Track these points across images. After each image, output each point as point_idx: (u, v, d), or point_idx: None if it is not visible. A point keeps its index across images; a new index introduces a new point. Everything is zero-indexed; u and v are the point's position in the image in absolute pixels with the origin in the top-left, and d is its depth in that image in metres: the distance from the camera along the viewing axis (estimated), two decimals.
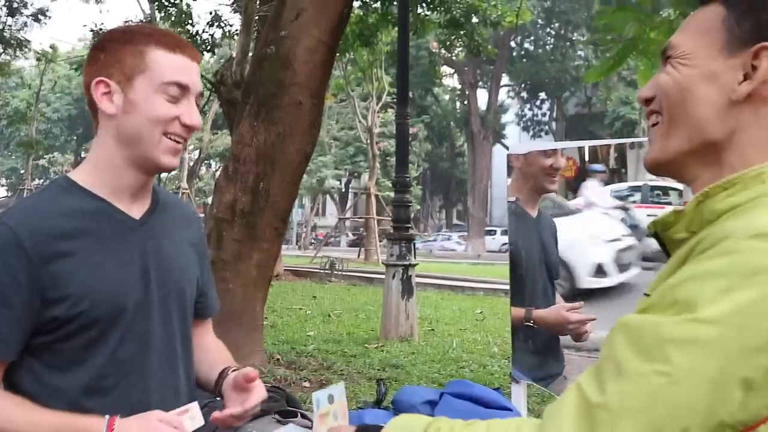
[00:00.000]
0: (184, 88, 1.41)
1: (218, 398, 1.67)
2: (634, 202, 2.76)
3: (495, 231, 41.22)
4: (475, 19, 14.88)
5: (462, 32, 14.65)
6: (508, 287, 11.03)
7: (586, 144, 2.72)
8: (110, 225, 1.43)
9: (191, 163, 30.45)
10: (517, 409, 2.21)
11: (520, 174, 2.93)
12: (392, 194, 27.35)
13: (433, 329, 8.70)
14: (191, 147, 29.95)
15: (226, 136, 37.86)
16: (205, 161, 37.35)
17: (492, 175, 39.68)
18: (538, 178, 2.85)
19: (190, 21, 14.28)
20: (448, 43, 18.13)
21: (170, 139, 1.41)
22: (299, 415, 2.70)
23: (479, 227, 38.57)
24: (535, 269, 3.01)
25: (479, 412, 2.08)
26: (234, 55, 11.54)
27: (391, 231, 8.43)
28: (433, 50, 32.00)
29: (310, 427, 2.59)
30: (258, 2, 9.91)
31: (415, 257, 8.22)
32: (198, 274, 1.63)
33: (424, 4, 13.41)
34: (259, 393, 1.48)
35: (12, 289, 1.31)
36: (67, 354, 1.37)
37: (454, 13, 13.93)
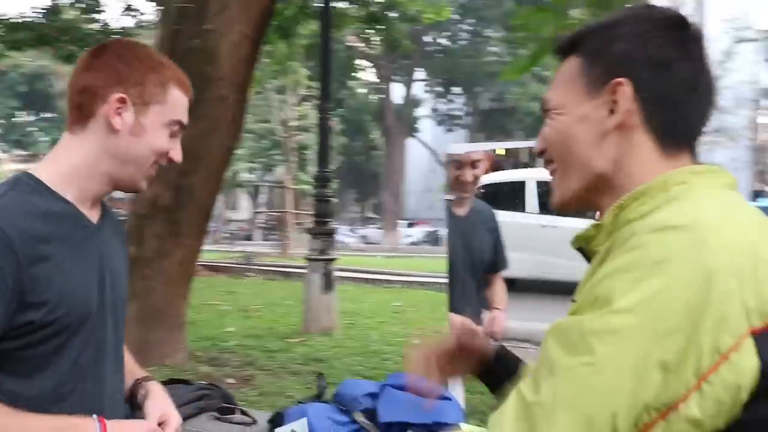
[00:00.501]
0: (182, 127, 1.50)
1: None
2: None
3: (410, 224, 41.75)
4: (393, 14, 15.01)
5: (380, 27, 14.75)
6: (424, 279, 11.17)
7: (520, 144, 2.84)
8: (76, 230, 1.42)
9: None
10: (455, 399, 2.31)
11: (449, 174, 3.04)
12: (308, 188, 27.15)
13: (353, 322, 8.78)
14: None
15: None
16: None
17: (406, 168, 40.16)
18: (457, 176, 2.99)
19: (98, 9, 13.81)
20: (366, 37, 18.21)
21: (153, 167, 1.48)
22: (239, 411, 2.73)
23: (393, 220, 38.93)
24: (458, 268, 3.13)
25: (419, 402, 2.14)
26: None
27: (312, 225, 8.46)
28: (349, 44, 32.04)
29: (251, 423, 2.62)
30: None
31: (336, 251, 8.29)
32: (127, 281, 1.63)
33: None
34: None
35: (2, 289, 1.27)
36: (32, 361, 1.35)
37: (372, 8, 14.02)
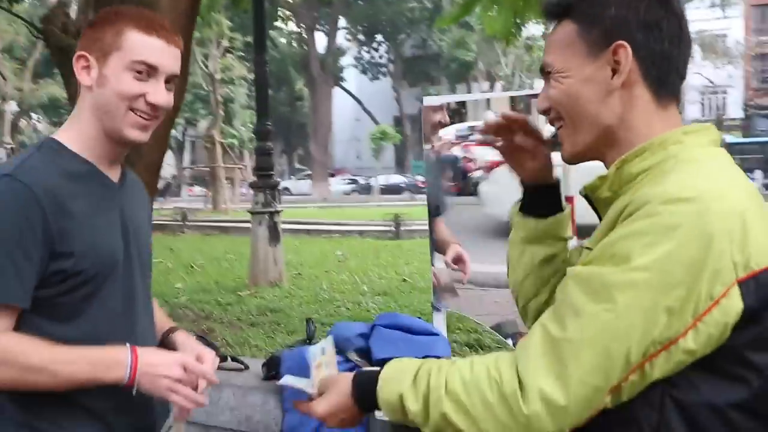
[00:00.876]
0: (152, 68, 1.51)
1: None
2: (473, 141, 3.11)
3: (331, 174, 41.69)
4: None
5: None
6: (361, 228, 11.29)
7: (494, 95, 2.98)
8: (99, 187, 1.55)
9: (12, 116, 28.13)
10: (442, 334, 2.49)
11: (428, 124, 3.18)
12: (234, 141, 26.65)
13: (299, 273, 8.90)
14: (12, 100, 27.64)
15: (49, 85, 35.27)
16: (27, 113, 34.60)
17: (333, 118, 39.95)
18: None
19: None
20: None
21: (136, 114, 1.51)
22: (229, 358, 2.86)
23: (323, 171, 38.89)
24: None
25: (410, 339, 2.31)
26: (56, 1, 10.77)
27: (255, 179, 8.46)
28: None
29: (243, 369, 2.76)
30: None
31: (279, 203, 8.34)
32: (151, 237, 1.77)
33: None
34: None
35: (32, 243, 1.41)
36: (66, 307, 1.48)
37: None
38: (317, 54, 38.65)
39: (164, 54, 1.53)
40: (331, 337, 1.51)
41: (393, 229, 13.71)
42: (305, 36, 39.13)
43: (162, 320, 1.78)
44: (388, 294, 7.14)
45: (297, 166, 53.02)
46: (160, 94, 1.52)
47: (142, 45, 1.50)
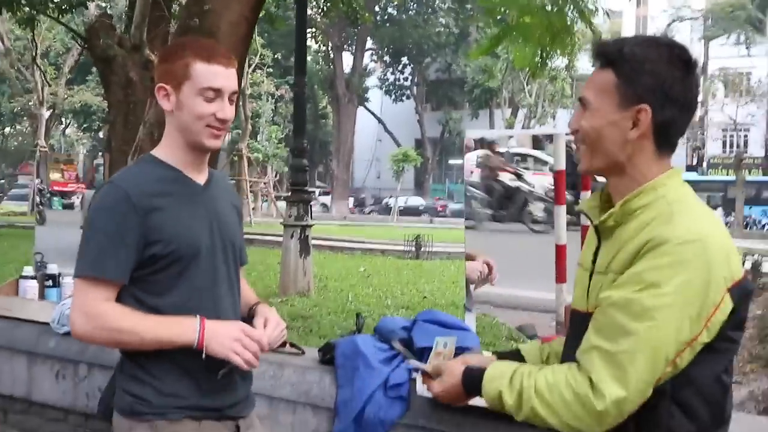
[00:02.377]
0: (217, 91, 1.89)
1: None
2: None
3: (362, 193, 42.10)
4: None
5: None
6: (383, 247, 11.65)
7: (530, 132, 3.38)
8: (185, 188, 1.96)
9: (47, 120, 28.93)
10: (471, 329, 2.92)
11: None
12: (260, 155, 27.08)
13: (325, 285, 9.33)
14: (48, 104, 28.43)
15: (83, 92, 36.13)
16: (59, 118, 35.45)
17: (355, 137, 40.51)
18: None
19: None
20: (322, 8, 18.46)
21: (211, 128, 1.93)
22: (288, 344, 3.27)
23: (343, 189, 39.41)
24: None
25: (446, 332, 2.71)
26: (94, 11, 11.31)
27: (289, 193, 8.94)
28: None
29: (300, 353, 3.17)
30: None
31: (311, 218, 8.80)
32: (239, 231, 2.17)
33: None
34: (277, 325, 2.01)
35: (127, 231, 1.83)
36: (160, 283, 1.89)
37: None
38: (343, 74, 39.30)
39: (225, 77, 1.91)
40: (455, 338, 1.99)
41: (413, 249, 14.14)
42: (332, 55, 39.80)
43: (249, 297, 2.15)
44: (410, 308, 7.54)
45: (317, 183, 53.62)
46: (226, 111, 1.92)
47: (207, 73, 1.88)
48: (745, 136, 39.83)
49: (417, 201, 40.29)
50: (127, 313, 1.85)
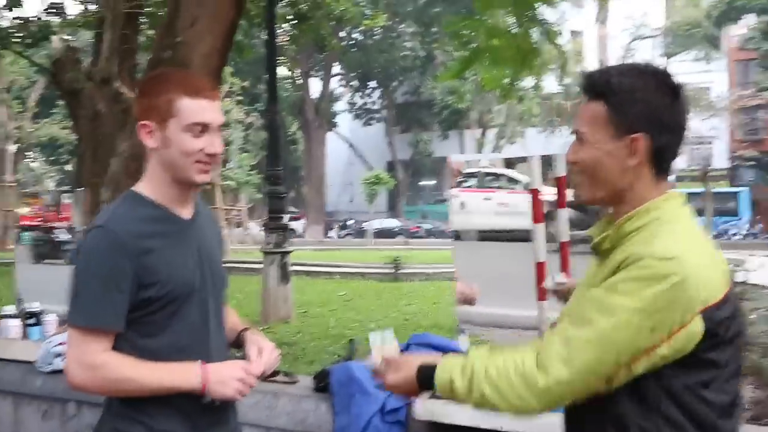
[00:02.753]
0: (205, 126, 1.85)
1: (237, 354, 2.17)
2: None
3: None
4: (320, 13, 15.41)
5: (308, 26, 15.16)
6: (362, 270, 11.61)
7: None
8: (173, 226, 1.92)
9: (12, 155, 28.54)
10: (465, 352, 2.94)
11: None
12: (232, 184, 26.86)
13: (306, 311, 9.28)
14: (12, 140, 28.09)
15: (49, 126, 35.73)
16: (24, 152, 34.99)
17: (327, 162, 40.54)
18: None
19: (17, 4, 13.58)
20: (291, 35, 18.54)
21: (200, 164, 1.89)
22: (282, 373, 3.27)
23: (317, 213, 39.34)
24: None
25: (437, 354, 2.73)
26: (58, 44, 11.20)
27: (267, 221, 8.92)
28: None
29: (294, 382, 3.17)
30: None
31: (290, 245, 8.78)
32: (221, 260, 2.12)
33: None
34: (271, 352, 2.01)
35: (121, 276, 1.79)
36: (154, 324, 1.86)
37: (301, 7, 14.42)
38: (312, 99, 39.41)
39: (212, 111, 1.86)
40: (392, 329, 2.00)
41: (392, 271, 14.13)
42: (300, 81, 39.91)
43: (235, 322, 2.13)
44: (394, 331, 7.52)
45: (290, 208, 53.47)
46: (216, 145, 1.88)
47: (194, 108, 1.83)
48: (709, 149, 40.59)
49: (392, 223, 40.32)
50: (126, 362, 1.82)
